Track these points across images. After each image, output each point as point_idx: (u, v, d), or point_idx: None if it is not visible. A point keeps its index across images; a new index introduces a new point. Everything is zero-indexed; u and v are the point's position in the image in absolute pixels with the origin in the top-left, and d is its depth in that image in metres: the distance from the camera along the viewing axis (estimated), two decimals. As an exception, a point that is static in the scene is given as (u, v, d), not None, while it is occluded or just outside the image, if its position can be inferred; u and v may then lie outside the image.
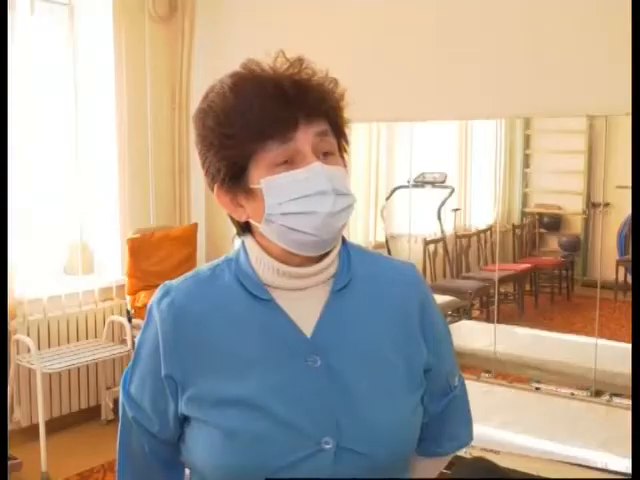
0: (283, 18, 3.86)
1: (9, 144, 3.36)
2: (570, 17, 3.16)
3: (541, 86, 3.20)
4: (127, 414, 1.15)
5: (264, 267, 1.10)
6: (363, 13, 3.66)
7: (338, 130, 1.09)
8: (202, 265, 1.17)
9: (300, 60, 1.06)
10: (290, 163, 1.03)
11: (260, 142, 1.03)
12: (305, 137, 1.03)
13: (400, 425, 1.09)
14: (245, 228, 1.12)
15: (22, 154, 3.71)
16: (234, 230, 1.16)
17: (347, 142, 1.12)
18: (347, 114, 1.10)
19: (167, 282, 1.14)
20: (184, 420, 1.11)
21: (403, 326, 1.13)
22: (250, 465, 1.04)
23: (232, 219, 1.13)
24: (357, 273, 1.13)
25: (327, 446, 1.04)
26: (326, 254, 1.10)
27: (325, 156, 1.06)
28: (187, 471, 1.19)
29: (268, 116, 1.02)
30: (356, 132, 3.98)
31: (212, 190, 1.11)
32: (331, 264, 1.11)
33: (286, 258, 1.09)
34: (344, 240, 1.15)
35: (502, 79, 3.30)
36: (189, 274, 1.15)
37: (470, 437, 1.27)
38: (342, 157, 1.11)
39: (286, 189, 1.03)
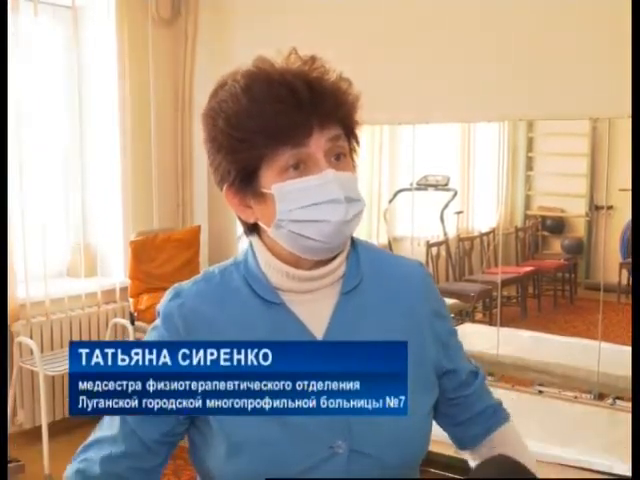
0: (286, 21, 3.85)
1: (11, 145, 3.38)
2: (572, 19, 3.16)
3: (544, 89, 3.20)
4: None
5: (273, 270, 1.09)
6: (365, 16, 3.66)
7: (350, 133, 1.09)
8: (210, 267, 1.16)
9: (313, 58, 1.06)
10: (302, 167, 1.03)
11: (272, 147, 1.01)
12: (318, 143, 1.03)
13: (411, 428, 1.08)
14: (252, 228, 1.11)
15: (24, 156, 3.71)
16: (238, 232, 1.15)
17: (358, 144, 1.11)
18: (357, 116, 1.09)
19: (177, 285, 1.13)
20: (191, 423, 1.10)
21: (413, 326, 1.12)
22: (264, 471, 1.03)
23: (240, 219, 1.12)
24: (366, 273, 1.12)
25: (340, 450, 1.04)
26: (335, 255, 1.09)
27: (337, 159, 1.05)
28: None
29: (281, 122, 1.00)
30: (358, 135, 3.98)
31: (220, 189, 1.09)
32: (340, 265, 1.10)
33: (295, 261, 1.08)
34: (353, 239, 1.14)
35: (505, 82, 3.30)
36: (199, 277, 1.14)
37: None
38: (352, 159, 1.10)
39: (297, 196, 1.02)
